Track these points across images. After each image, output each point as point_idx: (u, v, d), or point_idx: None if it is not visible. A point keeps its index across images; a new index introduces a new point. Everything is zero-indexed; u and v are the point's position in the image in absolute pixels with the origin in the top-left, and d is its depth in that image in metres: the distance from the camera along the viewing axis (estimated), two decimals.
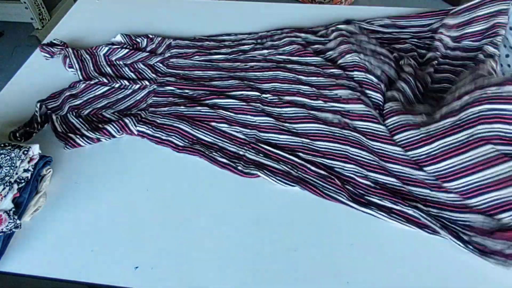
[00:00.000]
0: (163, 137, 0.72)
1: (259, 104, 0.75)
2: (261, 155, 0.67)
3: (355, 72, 0.77)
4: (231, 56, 0.87)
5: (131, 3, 1.08)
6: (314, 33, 0.90)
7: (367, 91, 0.74)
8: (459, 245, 0.55)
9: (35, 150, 0.62)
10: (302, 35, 0.89)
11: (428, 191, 0.61)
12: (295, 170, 0.65)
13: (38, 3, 2.09)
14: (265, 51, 0.87)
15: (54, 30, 1.00)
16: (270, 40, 0.89)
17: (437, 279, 0.53)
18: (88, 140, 0.71)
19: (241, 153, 0.68)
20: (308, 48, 0.86)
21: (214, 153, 0.68)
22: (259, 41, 0.90)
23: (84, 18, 1.04)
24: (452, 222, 0.57)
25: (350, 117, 0.71)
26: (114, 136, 0.72)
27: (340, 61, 0.80)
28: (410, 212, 0.58)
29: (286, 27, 0.94)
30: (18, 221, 0.58)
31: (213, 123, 0.73)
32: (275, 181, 0.64)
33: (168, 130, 0.72)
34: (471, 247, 0.54)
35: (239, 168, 0.66)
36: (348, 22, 0.92)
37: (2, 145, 0.61)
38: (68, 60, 0.86)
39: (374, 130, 0.68)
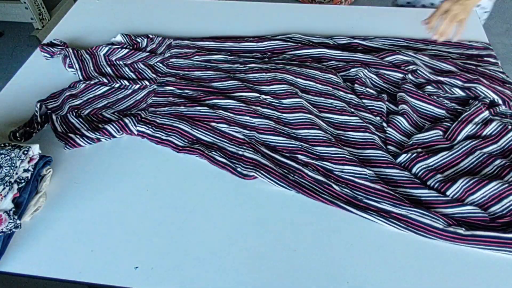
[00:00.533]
0: (163, 137, 0.72)
1: (258, 107, 0.75)
2: (260, 154, 0.67)
3: (356, 85, 0.78)
4: (231, 57, 0.87)
5: (131, 3, 1.08)
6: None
7: (366, 101, 0.75)
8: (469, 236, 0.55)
9: (35, 150, 0.62)
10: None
11: (419, 190, 0.62)
12: (292, 175, 0.65)
13: (38, 3, 2.09)
14: (266, 59, 0.87)
15: (54, 30, 1.00)
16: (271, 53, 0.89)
17: (437, 279, 0.53)
18: (88, 140, 0.71)
19: (240, 152, 0.68)
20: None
21: (213, 152, 0.68)
22: (260, 44, 0.90)
23: (84, 18, 1.04)
24: (449, 218, 0.58)
25: (343, 128, 0.72)
26: (114, 136, 0.72)
27: (342, 74, 0.81)
28: (410, 215, 0.58)
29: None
30: (18, 221, 0.58)
31: (212, 123, 0.73)
32: (272, 183, 0.64)
33: (168, 130, 0.72)
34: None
35: (238, 169, 0.66)
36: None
37: (2, 145, 0.61)
38: (68, 60, 0.86)
39: (367, 139, 0.69)
